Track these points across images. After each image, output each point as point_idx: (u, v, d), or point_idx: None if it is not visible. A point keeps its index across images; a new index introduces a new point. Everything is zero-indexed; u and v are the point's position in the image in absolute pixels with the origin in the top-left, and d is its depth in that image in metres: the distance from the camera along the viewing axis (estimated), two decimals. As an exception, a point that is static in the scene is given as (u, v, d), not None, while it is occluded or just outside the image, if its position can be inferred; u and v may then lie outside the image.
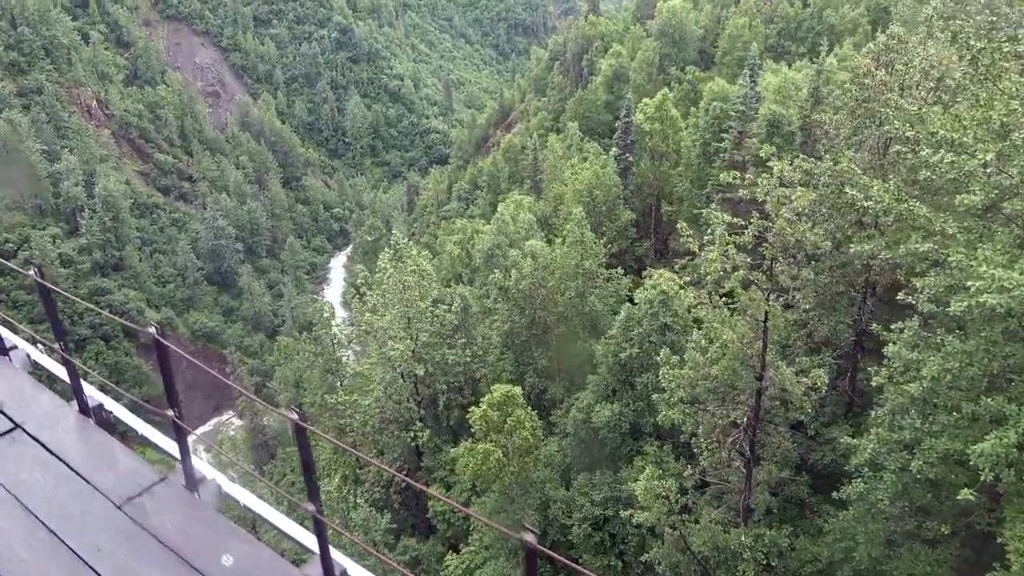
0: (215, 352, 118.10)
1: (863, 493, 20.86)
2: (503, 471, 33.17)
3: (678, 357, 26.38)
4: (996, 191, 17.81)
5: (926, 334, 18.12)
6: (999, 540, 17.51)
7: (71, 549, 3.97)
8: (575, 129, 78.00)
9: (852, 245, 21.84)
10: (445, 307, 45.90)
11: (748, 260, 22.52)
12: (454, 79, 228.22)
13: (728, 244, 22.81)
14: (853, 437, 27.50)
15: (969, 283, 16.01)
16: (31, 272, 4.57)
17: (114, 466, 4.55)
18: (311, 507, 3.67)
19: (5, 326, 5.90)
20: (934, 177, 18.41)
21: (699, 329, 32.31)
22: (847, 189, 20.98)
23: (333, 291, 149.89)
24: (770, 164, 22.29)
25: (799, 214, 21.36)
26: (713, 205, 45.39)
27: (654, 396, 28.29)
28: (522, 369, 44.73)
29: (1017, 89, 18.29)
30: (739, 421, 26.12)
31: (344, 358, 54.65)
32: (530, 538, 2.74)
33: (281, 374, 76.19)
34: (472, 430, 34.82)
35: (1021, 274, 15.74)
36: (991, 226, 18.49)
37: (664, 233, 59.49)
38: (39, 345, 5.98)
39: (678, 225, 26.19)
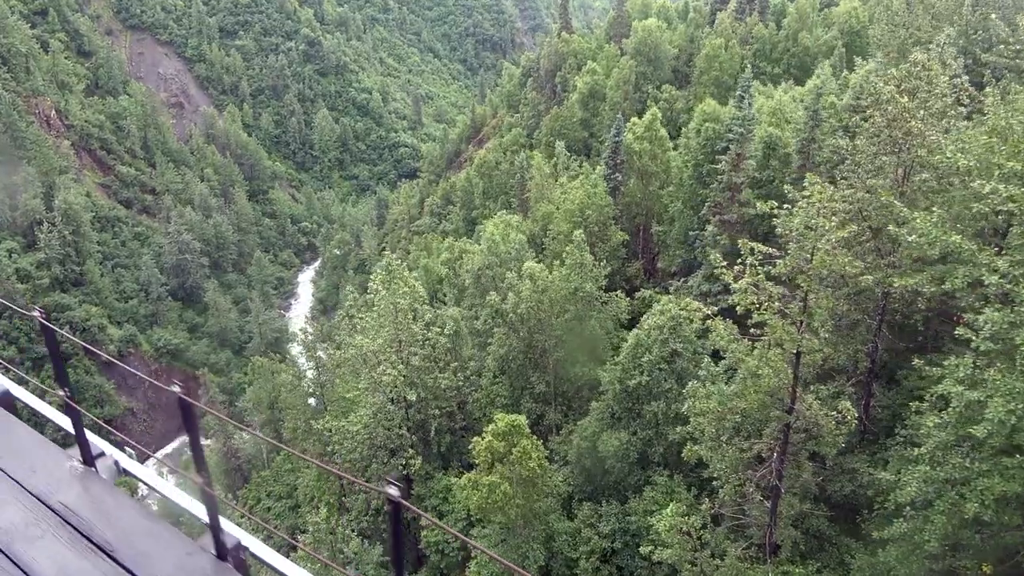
0: (180, 371, 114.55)
1: (906, 533, 20.20)
2: (508, 503, 32.00)
3: (705, 389, 25.56)
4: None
5: (980, 375, 17.55)
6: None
7: None
8: (562, 148, 77.47)
9: (895, 279, 21.30)
10: (437, 329, 44.62)
11: (782, 291, 21.90)
12: (423, 93, 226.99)
13: (759, 276, 22.17)
14: (873, 467, 27.10)
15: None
16: (35, 314, 4.41)
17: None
18: None
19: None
20: (985, 209, 17.96)
21: (710, 357, 31.72)
22: (891, 227, 20.52)
23: (301, 306, 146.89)
24: (805, 192, 21.73)
25: (838, 245, 20.81)
26: (709, 227, 45.09)
27: (678, 429, 27.43)
28: (518, 394, 43.62)
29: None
30: (764, 455, 25.43)
31: (327, 382, 52.91)
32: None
33: (254, 395, 73.62)
34: (475, 461, 33.56)
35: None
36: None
37: (653, 253, 59.08)
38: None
39: (710, 256, 25.46)
